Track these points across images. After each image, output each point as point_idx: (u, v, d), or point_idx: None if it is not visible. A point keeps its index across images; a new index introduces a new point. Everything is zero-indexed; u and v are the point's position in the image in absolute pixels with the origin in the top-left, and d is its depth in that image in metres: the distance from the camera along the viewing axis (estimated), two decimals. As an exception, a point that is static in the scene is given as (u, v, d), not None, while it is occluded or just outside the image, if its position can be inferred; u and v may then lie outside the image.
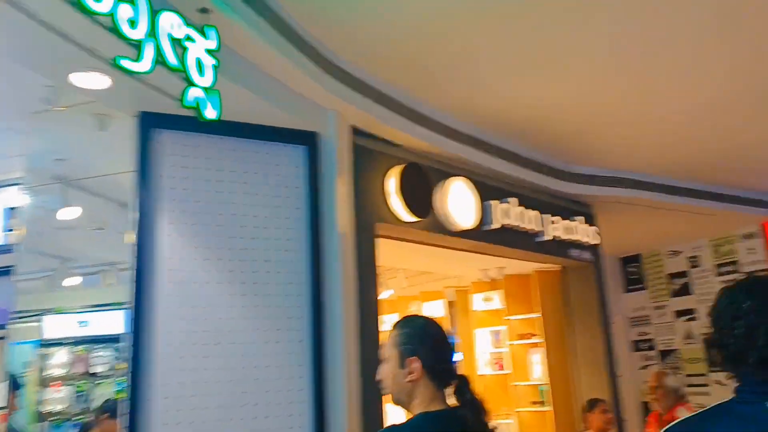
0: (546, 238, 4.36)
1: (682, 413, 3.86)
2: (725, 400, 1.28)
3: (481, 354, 5.67)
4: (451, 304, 6.42)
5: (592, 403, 3.99)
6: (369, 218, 3.32)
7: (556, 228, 4.44)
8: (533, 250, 4.34)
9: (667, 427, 1.28)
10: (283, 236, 2.96)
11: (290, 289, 2.91)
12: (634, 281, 7.10)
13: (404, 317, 1.82)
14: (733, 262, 6.10)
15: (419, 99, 3.61)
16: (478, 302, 5.74)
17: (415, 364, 1.57)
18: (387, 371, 1.64)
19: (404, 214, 3.46)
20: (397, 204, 3.43)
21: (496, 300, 5.59)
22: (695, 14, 2.95)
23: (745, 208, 5.48)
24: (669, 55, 3.34)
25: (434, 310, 6.04)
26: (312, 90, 2.99)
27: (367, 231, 3.30)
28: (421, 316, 1.76)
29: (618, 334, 7.02)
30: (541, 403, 5.09)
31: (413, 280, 6.33)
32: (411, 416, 1.57)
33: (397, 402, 1.63)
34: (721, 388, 6.06)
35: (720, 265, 6.22)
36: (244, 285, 2.83)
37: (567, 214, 4.62)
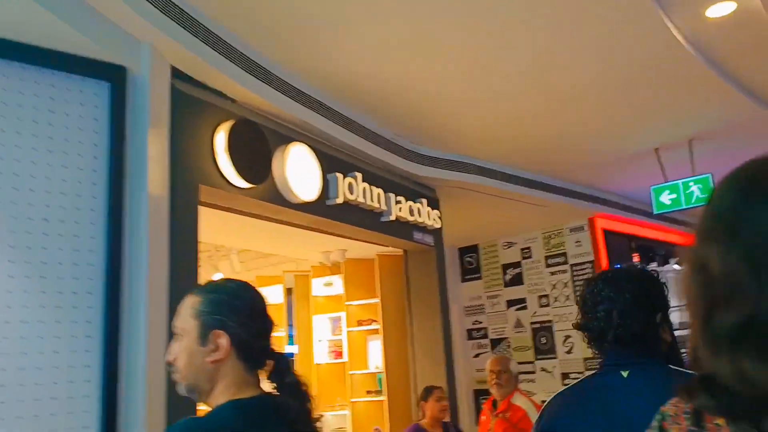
0: (390, 218, 4.13)
1: (519, 399, 3.85)
2: (590, 374, 1.52)
3: (319, 342, 5.34)
4: (289, 291, 6.03)
5: (428, 391, 3.83)
6: (190, 180, 2.81)
7: (401, 208, 4.23)
8: (377, 229, 4.10)
9: (547, 401, 1.48)
10: (71, 194, 2.34)
11: (79, 267, 2.29)
12: (470, 271, 7.23)
13: (209, 281, 1.40)
14: (562, 254, 6.41)
15: (261, 51, 3.16)
16: (319, 287, 5.40)
17: (222, 340, 1.20)
18: (181, 349, 1.23)
19: (235, 178, 2.99)
20: (226, 165, 2.95)
21: (336, 285, 5.29)
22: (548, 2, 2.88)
23: (577, 201, 5.75)
24: (520, 44, 3.28)
25: (272, 296, 5.59)
26: (119, 12, 2.41)
27: (188, 195, 2.78)
28: (232, 280, 1.36)
29: (454, 323, 7.12)
30: (378, 392, 4.89)
31: (249, 264, 5.83)
32: (214, 406, 1.19)
33: (192, 390, 1.22)
34: (546, 375, 6.35)
35: (550, 257, 6.51)
36: (15, 260, 2.18)
37: (411, 195, 4.44)
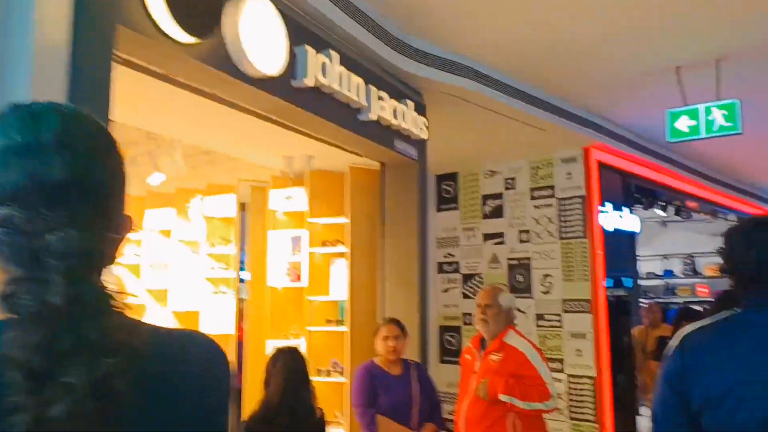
0: (370, 116, 3.41)
1: (514, 339, 3.29)
2: (732, 312, 1.54)
3: (275, 262, 4.67)
4: (244, 206, 5.30)
5: (376, 329, 3.28)
6: (104, 15, 2.01)
7: (384, 107, 3.50)
8: (353, 129, 3.38)
9: (684, 333, 1.52)
10: None
11: None
12: (447, 200, 6.61)
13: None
14: (550, 187, 5.82)
15: None
16: (278, 200, 4.68)
17: None
18: None
19: (169, 25, 2.20)
20: (158, 3, 2.16)
21: (299, 200, 4.59)
22: None
23: (573, 126, 5.10)
24: None
25: (223, 207, 4.87)
26: None
27: (99, 40, 2.00)
28: None
29: (431, 252, 6.54)
30: (339, 322, 4.32)
31: (200, 171, 5.05)
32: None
33: None
34: (519, 316, 5.87)
35: (536, 189, 5.92)
36: None
37: (395, 95, 3.71)
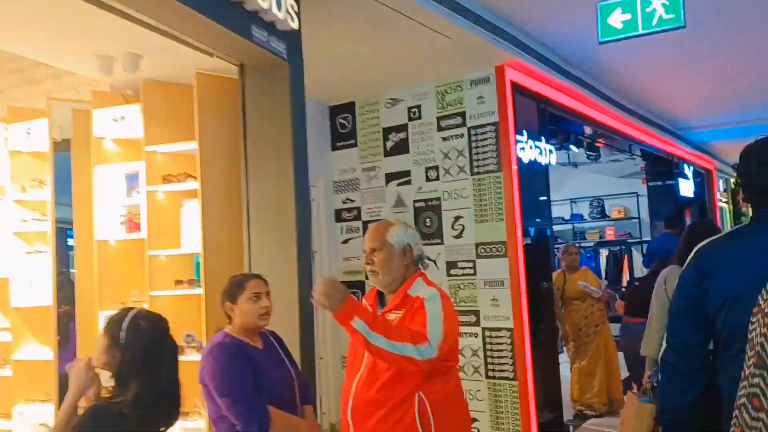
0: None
1: (421, 289, 1.92)
2: (742, 225, 1.75)
3: (105, 207, 3.52)
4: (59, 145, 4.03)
5: (238, 285, 2.35)
6: None
7: (230, -25, 2.47)
8: (192, 5, 2.32)
9: (699, 247, 1.68)
10: None
11: None
12: (343, 136, 5.67)
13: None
14: (460, 114, 5.00)
15: None
16: (104, 125, 3.49)
17: None
18: None
19: None
20: None
21: (132, 122, 3.44)
22: None
23: (490, 37, 4.26)
24: None
25: (34, 137, 3.62)
26: None
27: None
28: None
29: (319, 195, 5.60)
30: (192, 282, 3.31)
31: None
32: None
33: None
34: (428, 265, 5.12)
35: (443, 118, 5.09)
36: None
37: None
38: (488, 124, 4.86)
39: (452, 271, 5.01)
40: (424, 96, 5.17)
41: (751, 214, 1.61)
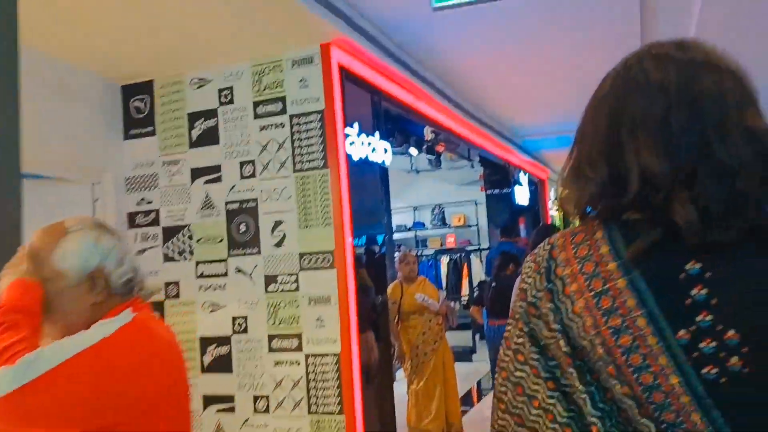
0: None
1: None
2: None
3: None
4: None
5: None
6: None
7: None
8: None
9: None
10: None
11: None
12: (139, 122, 4.61)
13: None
14: (280, 99, 4.22)
15: None
16: None
17: None
18: None
19: None
20: None
21: None
22: None
23: (315, 7, 3.53)
24: None
25: None
26: None
27: None
28: None
29: (107, 200, 4.50)
30: None
31: None
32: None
33: None
34: (242, 279, 4.21)
35: (261, 103, 4.28)
36: None
37: None
38: (313, 113, 4.13)
39: (271, 287, 4.19)
40: (237, 76, 4.31)
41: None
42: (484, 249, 11.08)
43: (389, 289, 4.92)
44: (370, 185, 4.65)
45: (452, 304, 4.90)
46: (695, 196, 0.78)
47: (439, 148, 8.69)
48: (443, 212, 11.87)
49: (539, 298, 0.86)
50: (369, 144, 4.53)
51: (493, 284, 5.59)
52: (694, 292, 0.76)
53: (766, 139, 0.80)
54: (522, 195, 9.96)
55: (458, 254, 11.15)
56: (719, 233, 0.76)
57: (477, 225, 11.65)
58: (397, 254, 5.83)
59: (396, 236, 11.80)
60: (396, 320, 5.14)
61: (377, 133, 4.70)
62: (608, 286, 0.80)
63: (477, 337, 9.94)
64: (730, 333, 0.73)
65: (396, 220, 12.05)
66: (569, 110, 8.04)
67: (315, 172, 4.12)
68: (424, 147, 7.27)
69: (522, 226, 10.78)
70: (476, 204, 11.67)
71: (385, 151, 4.83)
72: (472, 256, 11.00)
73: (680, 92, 0.82)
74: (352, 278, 4.07)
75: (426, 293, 5.00)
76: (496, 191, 10.54)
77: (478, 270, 10.63)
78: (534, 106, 7.50)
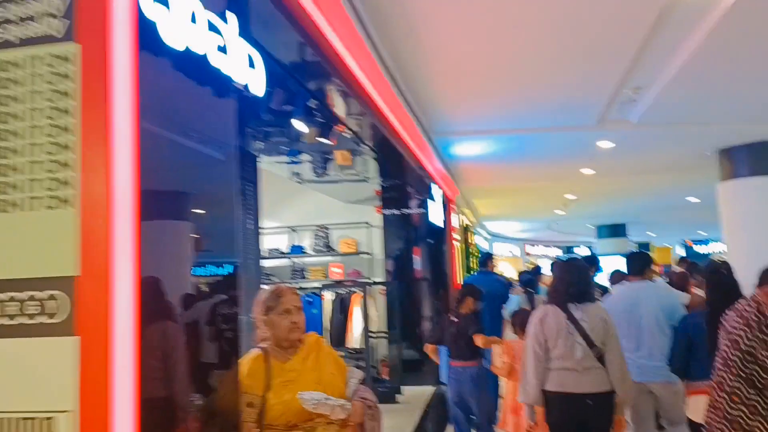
0: None
1: None
2: None
3: None
4: None
5: None
6: None
7: None
8: None
9: None
10: None
11: None
12: None
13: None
14: None
15: None
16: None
17: None
18: None
19: None
20: None
21: None
22: None
23: None
24: None
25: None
26: None
27: None
28: None
29: None
30: None
31: None
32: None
33: None
34: None
35: None
36: None
37: None
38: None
39: None
40: None
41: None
42: (379, 283, 8.65)
43: (243, 370, 2.18)
44: (209, 125, 1.99)
45: (372, 400, 2.22)
46: None
47: (339, 129, 6.24)
48: (328, 235, 9.29)
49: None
50: (211, 29, 1.90)
51: (454, 319, 4.93)
52: None
53: None
54: (436, 213, 7.71)
55: (346, 290, 8.57)
56: None
57: (371, 253, 9.17)
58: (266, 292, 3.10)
59: (268, 264, 9.07)
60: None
61: (233, 22, 2.07)
62: None
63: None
64: None
65: (268, 243, 9.32)
66: (503, 107, 6.06)
67: (36, 51, 1.41)
68: (314, 127, 4.72)
69: (416, 257, 8.53)
70: (370, 226, 9.26)
71: (252, 65, 2.21)
72: (367, 294, 8.40)
73: None
74: (132, 358, 1.38)
75: (323, 380, 2.26)
76: (396, 211, 8.24)
77: (375, 313, 8.13)
78: (468, 90, 5.36)
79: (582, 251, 27.20)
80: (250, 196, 3.72)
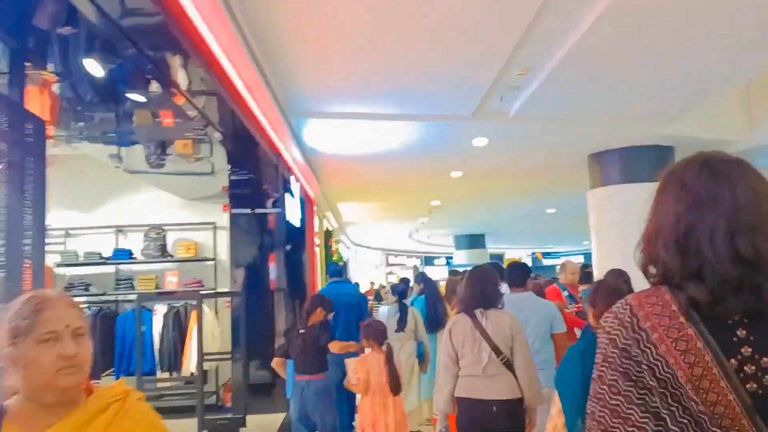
0: None
1: None
2: None
3: None
4: None
5: None
6: None
7: None
8: None
9: None
10: None
11: None
12: None
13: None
14: None
15: None
16: None
17: None
18: None
19: None
20: None
21: None
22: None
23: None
24: None
25: None
26: None
27: None
28: None
29: None
30: None
31: None
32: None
33: None
34: None
35: None
36: None
37: None
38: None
39: None
40: None
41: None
42: (224, 293, 7.36)
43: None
44: None
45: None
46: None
47: (165, 116, 5.16)
48: (165, 237, 7.83)
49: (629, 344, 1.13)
50: None
51: (301, 331, 4.71)
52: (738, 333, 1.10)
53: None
54: (294, 213, 6.63)
55: (184, 302, 7.17)
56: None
57: (215, 259, 7.86)
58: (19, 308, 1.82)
59: (82, 272, 7.45)
60: None
61: None
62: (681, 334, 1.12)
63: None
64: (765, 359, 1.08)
65: (85, 243, 7.70)
66: (371, 84, 5.16)
67: None
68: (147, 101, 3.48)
69: (272, 265, 7.42)
70: (215, 228, 7.97)
71: None
72: (206, 307, 7.05)
73: None
74: None
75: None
76: (248, 211, 7.09)
77: (211, 329, 6.85)
78: (332, 57, 4.39)
79: (441, 262, 27.44)
80: (29, 174, 2.56)
